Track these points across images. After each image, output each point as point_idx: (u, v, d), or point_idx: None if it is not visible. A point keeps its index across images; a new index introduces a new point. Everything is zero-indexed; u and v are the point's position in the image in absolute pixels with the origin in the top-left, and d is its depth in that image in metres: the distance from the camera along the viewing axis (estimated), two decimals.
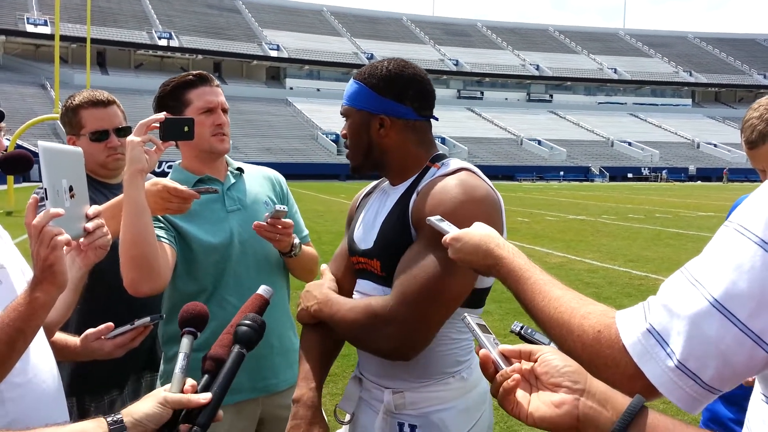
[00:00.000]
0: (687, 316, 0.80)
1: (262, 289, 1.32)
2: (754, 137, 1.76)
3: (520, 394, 0.86)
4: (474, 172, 1.56)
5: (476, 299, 1.56)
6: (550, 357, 0.88)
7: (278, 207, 1.91)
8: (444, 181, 1.52)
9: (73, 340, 1.70)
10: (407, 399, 1.57)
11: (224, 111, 2.09)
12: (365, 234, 1.68)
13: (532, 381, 0.88)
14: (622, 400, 0.80)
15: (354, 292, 1.73)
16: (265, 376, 2.09)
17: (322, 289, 1.68)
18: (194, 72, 2.10)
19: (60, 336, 1.70)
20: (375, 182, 1.86)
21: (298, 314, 1.72)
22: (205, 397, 1.09)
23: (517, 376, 0.87)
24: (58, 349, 1.62)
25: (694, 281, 0.81)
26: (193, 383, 1.14)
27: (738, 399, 1.63)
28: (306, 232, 2.29)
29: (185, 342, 1.20)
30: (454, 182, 1.51)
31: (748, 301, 0.76)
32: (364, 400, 1.68)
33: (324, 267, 1.81)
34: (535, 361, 0.89)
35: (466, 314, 1.02)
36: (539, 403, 0.83)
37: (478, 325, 0.98)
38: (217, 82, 2.13)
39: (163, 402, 1.09)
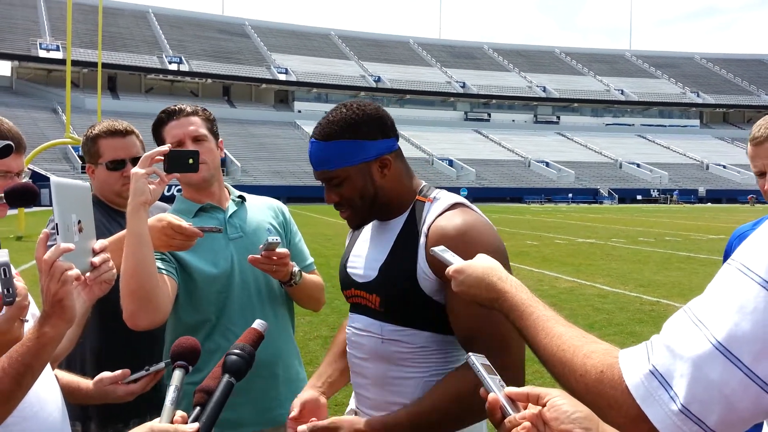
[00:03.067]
0: (690, 358, 0.78)
1: (257, 323, 1.33)
2: (760, 133, 1.86)
3: None
4: (467, 206, 1.60)
5: None
6: (559, 402, 0.86)
7: (271, 239, 1.88)
8: (449, 221, 1.53)
9: (86, 382, 1.67)
10: None
11: (197, 139, 2.06)
12: (360, 266, 1.67)
13: (540, 426, 0.86)
14: None
15: (347, 328, 1.71)
16: (270, 407, 2.05)
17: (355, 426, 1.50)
18: (169, 107, 2.11)
19: (71, 378, 1.68)
20: None
21: None
22: (192, 427, 1.10)
23: (527, 423, 0.85)
24: (69, 392, 1.60)
25: (697, 322, 0.79)
26: (183, 415, 1.15)
27: None
28: (310, 260, 2.27)
29: (177, 375, 1.21)
30: (458, 221, 1.52)
31: (752, 344, 0.74)
32: None
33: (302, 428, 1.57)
34: (544, 405, 0.87)
35: (470, 354, 1.01)
36: None
37: (483, 365, 0.96)
38: (191, 110, 2.10)
39: None
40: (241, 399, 1.97)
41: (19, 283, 1.25)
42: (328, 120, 1.58)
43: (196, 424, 1.11)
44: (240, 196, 2.20)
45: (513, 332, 1.39)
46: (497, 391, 0.90)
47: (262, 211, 2.22)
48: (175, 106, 2.11)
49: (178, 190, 2.27)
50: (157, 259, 1.86)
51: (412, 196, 1.64)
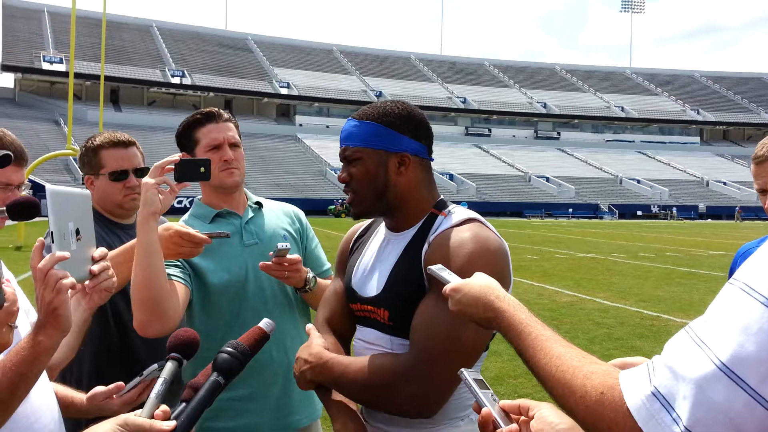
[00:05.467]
0: (693, 379, 0.75)
1: (264, 322, 1.28)
2: (762, 152, 1.91)
3: None
4: (482, 223, 1.56)
5: None
6: (545, 413, 0.87)
7: (280, 245, 1.88)
8: (457, 233, 1.50)
9: (79, 396, 1.64)
10: None
11: (233, 145, 2.09)
12: (367, 281, 1.64)
13: None
14: None
15: (355, 340, 1.69)
16: (287, 413, 2.05)
17: (311, 350, 1.58)
18: (204, 110, 2.12)
19: (65, 391, 1.65)
20: (367, 222, 1.83)
21: (297, 383, 1.62)
22: (169, 425, 1.06)
23: None
24: (64, 406, 1.57)
25: (699, 342, 0.78)
26: (166, 410, 1.12)
27: None
28: (327, 266, 2.26)
29: (168, 367, 1.16)
30: (467, 234, 1.49)
31: (757, 365, 0.72)
32: None
33: (309, 326, 1.70)
34: (532, 418, 0.89)
35: (462, 370, 1.01)
36: None
37: (475, 380, 0.97)
38: (227, 116, 2.13)
39: (122, 424, 1.08)
40: (257, 405, 2.00)
41: (8, 288, 1.23)
42: (371, 105, 1.61)
43: (173, 422, 1.07)
44: (257, 203, 2.20)
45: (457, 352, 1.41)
46: (489, 405, 0.91)
47: (278, 217, 2.22)
48: (212, 109, 2.13)
49: (190, 203, 2.28)
50: (171, 265, 1.87)
51: (427, 208, 1.61)
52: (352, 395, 1.55)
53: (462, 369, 1.02)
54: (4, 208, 1.55)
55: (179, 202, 31.26)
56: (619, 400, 0.83)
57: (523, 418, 0.90)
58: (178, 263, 1.95)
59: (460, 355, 1.42)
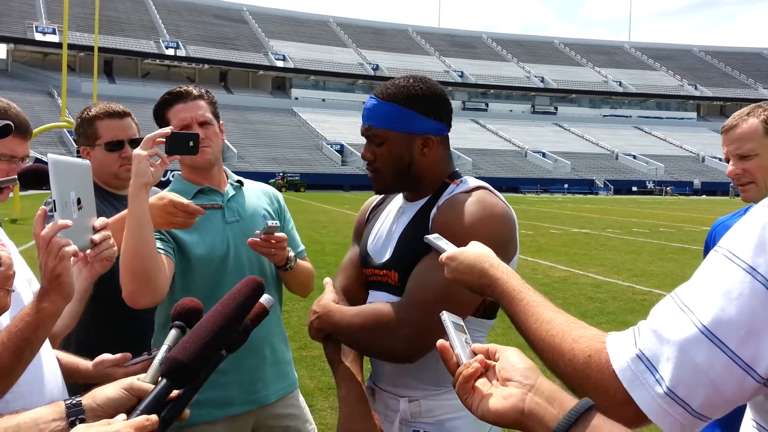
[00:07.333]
0: (676, 342, 0.79)
1: (264, 298, 1.31)
2: (727, 122, 1.97)
3: (479, 386, 0.89)
4: (491, 191, 1.62)
5: (489, 311, 1.61)
6: (509, 354, 0.91)
7: (270, 223, 1.92)
8: (464, 198, 1.56)
9: (85, 363, 1.66)
10: (423, 407, 1.60)
11: (204, 123, 2.08)
12: (382, 247, 1.70)
13: (492, 375, 0.91)
14: (570, 400, 0.82)
15: (368, 304, 1.73)
16: (257, 388, 2.09)
17: (320, 302, 1.70)
18: (175, 89, 2.12)
19: (69, 358, 1.68)
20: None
21: (309, 334, 1.74)
22: (174, 391, 1.07)
23: (476, 364, 0.90)
24: (69, 373, 1.61)
25: (683, 307, 0.81)
26: None
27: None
28: (302, 247, 2.31)
29: (172, 334, 1.17)
30: (473, 199, 1.55)
31: (737, 328, 0.76)
32: (378, 410, 1.69)
33: (327, 280, 1.80)
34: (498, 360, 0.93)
35: (444, 312, 1.03)
36: (490, 395, 0.87)
37: (454, 324, 1.00)
38: (197, 93, 2.11)
39: (127, 388, 1.10)
40: (229, 379, 2.02)
41: (3, 252, 1.26)
42: (394, 83, 1.63)
43: (176, 390, 1.07)
44: (238, 181, 2.22)
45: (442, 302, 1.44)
46: (460, 347, 0.94)
47: (258, 196, 2.24)
48: (181, 88, 2.12)
49: (173, 175, 2.30)
50: (156, 238, 1.87)
51: (440, 179, 1.67)
52: (350, 340, 1.64)
53: (444, 311, 1.04)
54: (15, 176, 1.57)
55: (163, 175, 31.17)
56: (605, 362, 0.85)
57: (492, 362, 0.94)
58: (163, 236, 1.96)
59: (450, 306, 1.47)
